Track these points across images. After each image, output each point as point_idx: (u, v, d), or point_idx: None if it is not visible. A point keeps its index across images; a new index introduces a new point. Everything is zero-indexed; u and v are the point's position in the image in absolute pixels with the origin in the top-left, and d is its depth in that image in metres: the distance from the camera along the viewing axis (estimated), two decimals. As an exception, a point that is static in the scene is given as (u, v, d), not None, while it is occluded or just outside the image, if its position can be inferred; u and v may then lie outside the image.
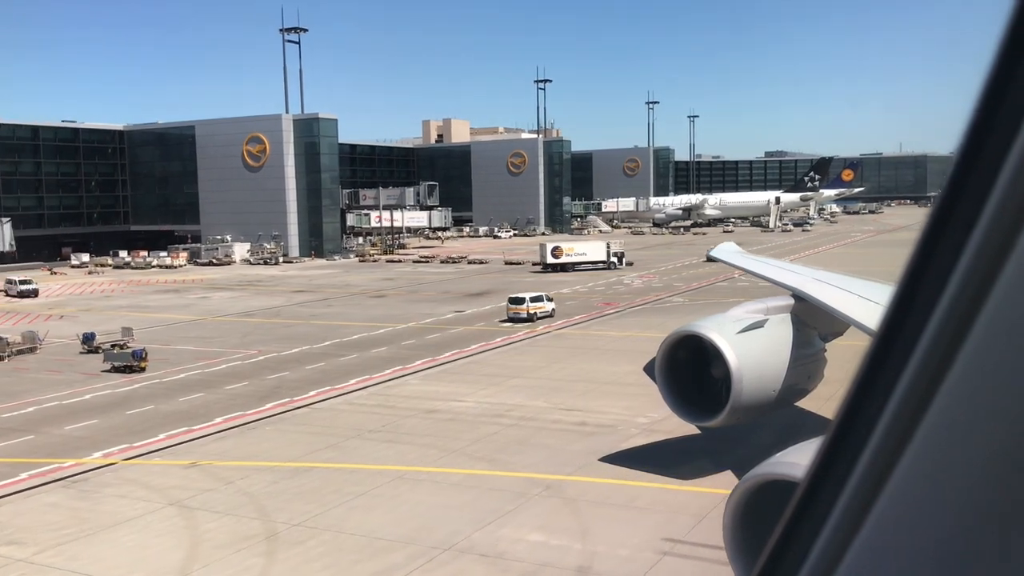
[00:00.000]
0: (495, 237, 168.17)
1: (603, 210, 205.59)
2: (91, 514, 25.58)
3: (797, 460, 11.72)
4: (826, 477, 1.84)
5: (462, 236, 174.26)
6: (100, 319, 67.76)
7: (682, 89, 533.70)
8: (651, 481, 26.91)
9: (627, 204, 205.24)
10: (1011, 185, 1.54)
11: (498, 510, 24.79)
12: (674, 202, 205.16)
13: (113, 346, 53.47)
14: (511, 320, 60.54)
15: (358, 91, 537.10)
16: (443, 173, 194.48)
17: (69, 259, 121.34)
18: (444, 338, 55.13)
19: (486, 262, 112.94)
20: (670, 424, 32.93)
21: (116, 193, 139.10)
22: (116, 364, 47.31)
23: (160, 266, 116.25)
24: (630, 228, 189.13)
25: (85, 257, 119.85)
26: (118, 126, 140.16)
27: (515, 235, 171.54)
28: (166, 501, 26.45)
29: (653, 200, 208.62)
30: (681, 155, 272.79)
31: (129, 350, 48.39)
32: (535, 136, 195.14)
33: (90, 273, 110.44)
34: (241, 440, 33.20)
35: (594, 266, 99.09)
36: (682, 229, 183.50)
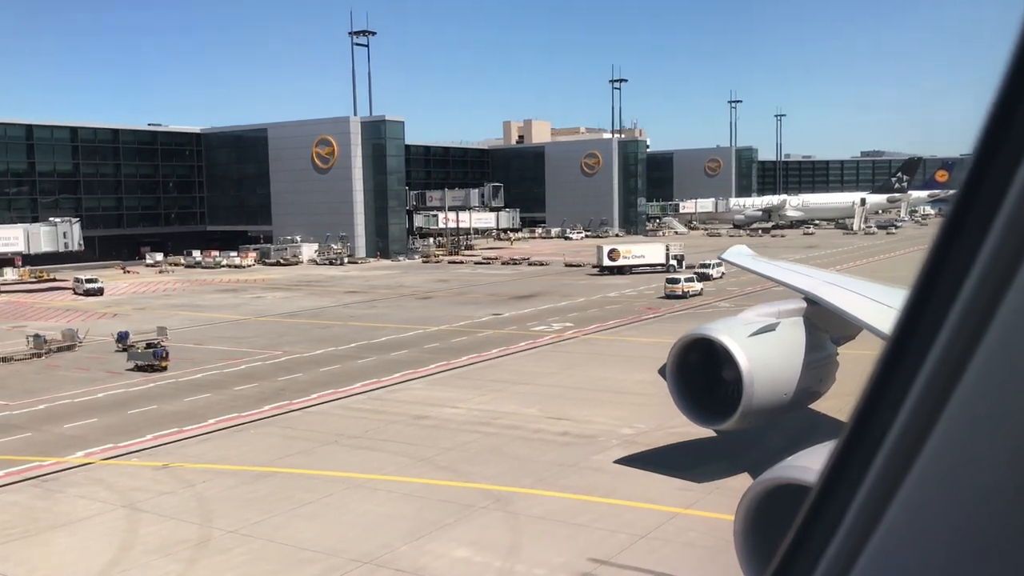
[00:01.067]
0: (566, 238, 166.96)
1: (681, 211, 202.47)
2: (45, 514, 25.99)
3: (809, 464, 11.62)
4: (839, 481, 1.82)
5: (533, 237, 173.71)
6: (150, 318, 69.52)
7: (770, 87, 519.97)
8: (605, 496, 25.97)
9: (705, 205, 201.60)
10: None
11: (438, 523, 24.24)
12: (754, 203, 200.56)
13: (148, 345, 54.88)
14: (668, 296, 73.81)
15: (442, 93, 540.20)
16: (517, 174, 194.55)
17: (145, 258, 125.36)
18: (470, 341, 54.74)
19: (547, 264, 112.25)
20: (653, 436, 31.98)
21: (193, 194, 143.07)
22: (139, 363, 48.36)
23: (229, 266, 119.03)
24: (706, 230, 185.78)
25: (159, 256, 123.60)
26: (195, 129, 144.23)
27: (587, 236, 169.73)
28: (121, 503, 26.70)
29: (733, 201, 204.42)
30: (770, 155, 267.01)
31: (151, 350, 49.35)
32: (609, 136, 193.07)
33: (161, 272, 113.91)
34: (223, 442, 33.41)
35: (652, 269, 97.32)
36: (760, 231, 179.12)
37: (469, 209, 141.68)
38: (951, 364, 1.61)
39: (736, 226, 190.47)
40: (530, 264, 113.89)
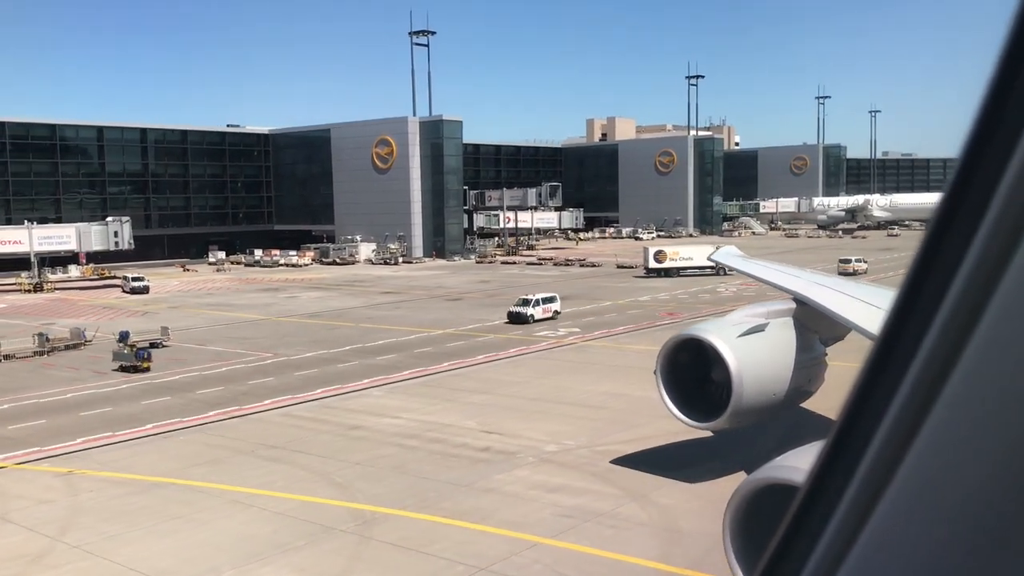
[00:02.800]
0: (636, 239, 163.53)
1: (761, 211, 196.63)
2: (-81, 521, 25.81)
3: (797, 464, 11.76)
4: (827, 482, 1.83)
5: (604, 237, 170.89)
6: (177, 316, 70.61)
7: (872, 82, 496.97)
8: (477, 521, 24.32)
9: (787, 205, 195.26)
10: (1013, 190, 1.55)
11: (285, 545, 23.04)
12: (838, 203, 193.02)
13: (151, 344, 55.54)
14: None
15: (525, 91, 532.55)
16: (591, 173, 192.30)
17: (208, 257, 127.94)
18: (465, 346, 53.44)
19: (599, 265, 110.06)
20: (573, 455, 30.26)
21: (261, 194, 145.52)
22: (123, 364, 48.65)
23: (287, 265, 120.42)
24: (785, 231, 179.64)
25: (222, 255, 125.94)
26: (264, 130, 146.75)
27: (660, 237, 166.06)
28: (-4, 512, 26.35)
29: (816, 200, 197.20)
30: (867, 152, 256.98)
31: (133, 351, 49.60)
32: (685, 134, 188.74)
33: (218, 271, 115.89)
34: (142, 449, 32.92)
35: (701, 272, 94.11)
36: (840, 232, 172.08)
37: (530, 209, 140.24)
38: (939, 365, 1.62)
39: (820, 227, 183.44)
40: (582, 265, 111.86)
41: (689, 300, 74.29)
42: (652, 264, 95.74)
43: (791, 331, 25.23)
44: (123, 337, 55.48)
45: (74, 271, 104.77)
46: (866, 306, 22.13)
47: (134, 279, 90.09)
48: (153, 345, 55.74)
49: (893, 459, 1.68)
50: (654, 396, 39.21)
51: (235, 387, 43.33)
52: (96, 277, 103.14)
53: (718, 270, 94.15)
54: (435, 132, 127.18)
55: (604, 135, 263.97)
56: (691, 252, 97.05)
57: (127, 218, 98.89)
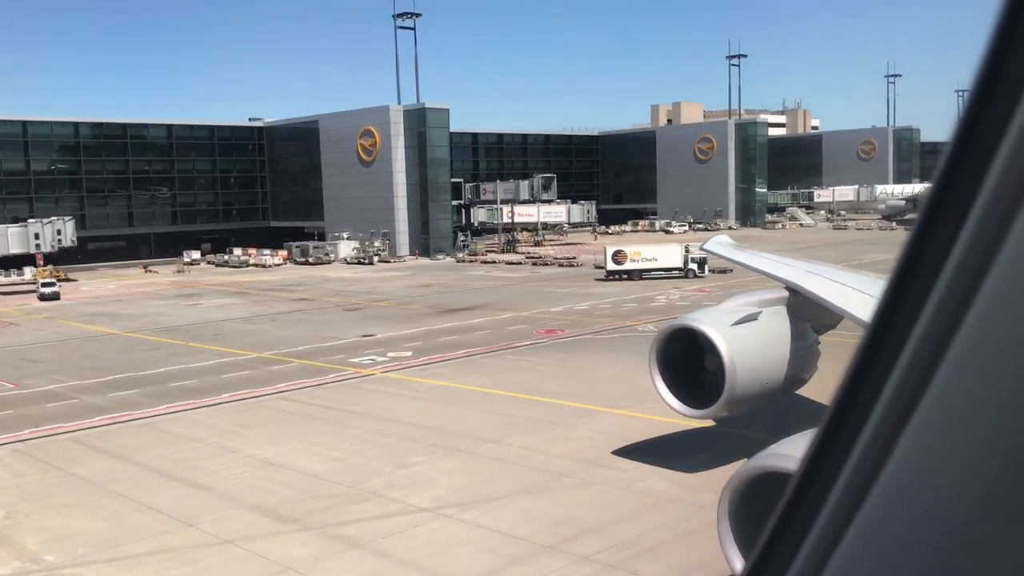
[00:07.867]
0: (668, 231, 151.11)
1: (816, 200, 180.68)
2: None
3: (791, 452, 11.84)
4: (819, 469, 1.85)
5: (636, 231, 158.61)
6: (31, 330, 64.23)
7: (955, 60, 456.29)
8: None
9: (846, 193, 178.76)
10: (1003, 176, 1.55)
11: None
12: (903, 191, 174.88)
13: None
14: None
15: (593, 78, 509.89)
16: (630, 161, 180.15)
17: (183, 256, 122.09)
18: (240, 378, 44.34)
19: (577, 265, 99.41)
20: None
21: (256, 189, 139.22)
22: None
23: (257, 265, 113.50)
24: (834, 223, 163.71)
25: (196, 255, 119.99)
26: (257, 122, 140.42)
27: (694, 229, 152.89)
28: None
29: (880, 188, 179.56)
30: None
31: None
32: (726, 118, 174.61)
33: (178, 272, 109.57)
34: None
35: (668, 274, 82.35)
36: (895, 224, 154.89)
37: (530, 202, 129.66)
38: (930, 351, 1.62)
39: (885, 217, 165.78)
40: (561, 265, 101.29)
41: (608, 311, 63.11)
42: (611, 266, 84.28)
43: (784, 319, 25.52)
44: None
45: (28, 273, 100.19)
46: (859, 294, 22.21)
47: (44, 284, 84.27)
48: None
49: (885, 446, 1.66)
50: (317, 467, 29.50)
51: None
52: (50, 281, 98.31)
53: (686, 272, 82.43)
54: (419, 122, 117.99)
55: (669, 121, 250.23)
56: (655, 252, 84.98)
57: (70, 218, 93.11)
